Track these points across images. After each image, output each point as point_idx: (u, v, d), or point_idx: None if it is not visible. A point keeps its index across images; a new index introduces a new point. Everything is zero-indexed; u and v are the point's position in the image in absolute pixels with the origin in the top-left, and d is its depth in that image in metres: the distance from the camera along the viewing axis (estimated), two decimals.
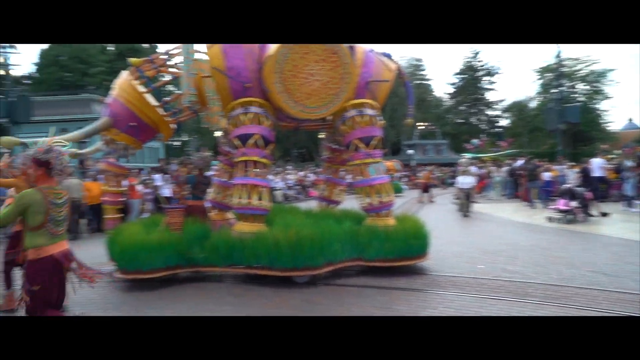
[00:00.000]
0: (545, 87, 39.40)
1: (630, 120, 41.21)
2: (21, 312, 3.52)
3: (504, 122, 52.34)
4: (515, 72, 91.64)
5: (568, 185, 12.15)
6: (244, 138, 6.29)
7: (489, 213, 14.02)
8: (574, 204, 11.26)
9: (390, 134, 42.97)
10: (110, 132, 6.99)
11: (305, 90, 6.20)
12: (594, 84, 39.09)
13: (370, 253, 6.38)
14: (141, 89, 7.04)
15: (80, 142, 8.84)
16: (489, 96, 53.54)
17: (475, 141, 40.97)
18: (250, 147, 6.28)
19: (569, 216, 11.21)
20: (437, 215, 13.43)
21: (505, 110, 52.53)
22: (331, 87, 6.28)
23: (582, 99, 36.96)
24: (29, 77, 46.61)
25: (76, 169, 14.97)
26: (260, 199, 6.29)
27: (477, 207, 14.87)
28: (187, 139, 46.23)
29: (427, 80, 58.14)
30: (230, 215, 7.91)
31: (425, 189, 18.73)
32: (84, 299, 5.47)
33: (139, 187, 12.84)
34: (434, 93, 58.58)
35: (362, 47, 6.91)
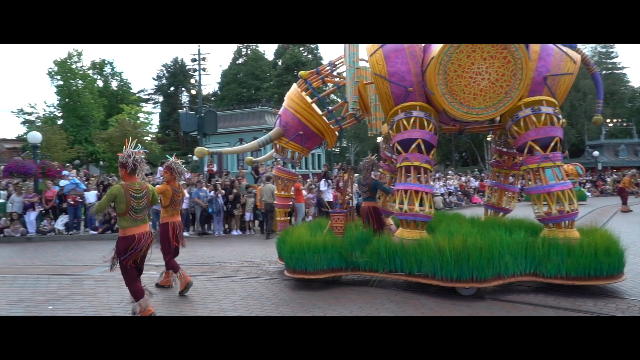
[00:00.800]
0: None
1: None
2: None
3: None
4: None
5: None
6: (405, 143, 6.19)
7: None
8: None
9: (569, 134, 38.12)
10: (281, 140, 7.59)
11: (471, 90, 5.83)
12: None
13: (548, 269, 5.67)
14: (308, 99, 7.49)
15: (256, 151, 9.85)
16: None
17: None
18: (413, 152, 6.15)
19: None
20: (633, 229, 11.33)
21: None
22: (501, 86, 5.78)
23: None
24: (214, 94, 54.10)
25: (251, 175, 16.71)
26: (421, 205, 6.11)
27: None
28: (346, 145, 48.06)
29: (620, 69, 49.96)
30: (390, 220, 7.89)
31: (624, 196, 16.09)
32: (258, 294, 6.05)
33: (304, 192, 13.73)
34: (630, 83, 50.08)
35: None
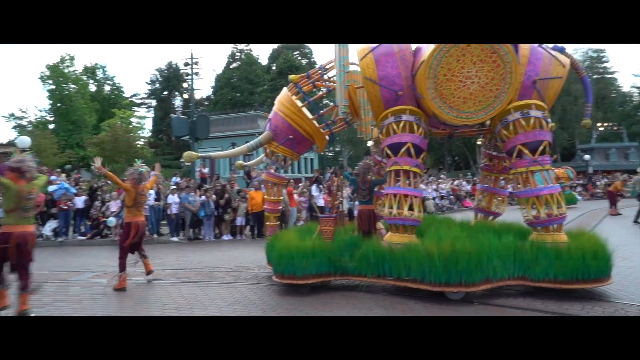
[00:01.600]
0: None
1: None
2: None
3: None
4: None
5: None
6: (395, 147, 6.17)
7: None
8: None
9: (560, 138, 38.38)
10: (271, 144, 7.54)
11: (461, 94, 5.82)
12: None
13: (536, 272, 5.66)
14: (299, 103, 7.45)
15: (246, 155, 9.78)
16: None
17: None
18: (402, 156, 6.13)
19: None
20: (622, 232, 11.38)
21: None
22: (491, 90, 5.78)
23: None
24: (208, 98, 53.94)
25: (243, 179, 16.65)
26: (411, 209, 6.08)
27: None
28: (339, 149, 48.09)
29: (611, 73, 50.46)
30: (380, 224, 7.85)
31: (614, 199, 16.18)
32: (245, 300, 5.98)
33: (296, 196, 13.68)
34: (620, 88, 50.57)
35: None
